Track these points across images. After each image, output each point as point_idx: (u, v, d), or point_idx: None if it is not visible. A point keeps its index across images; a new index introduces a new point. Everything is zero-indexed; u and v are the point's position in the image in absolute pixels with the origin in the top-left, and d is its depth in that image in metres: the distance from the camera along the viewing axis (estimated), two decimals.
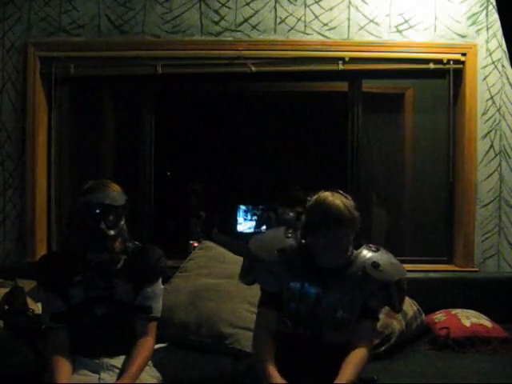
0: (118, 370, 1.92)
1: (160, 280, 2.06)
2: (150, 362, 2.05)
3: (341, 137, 3.50)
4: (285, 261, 1.90)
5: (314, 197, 1.91)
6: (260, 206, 4.72)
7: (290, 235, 1.97)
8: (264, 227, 4.10)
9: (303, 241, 1.94)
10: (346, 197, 1.90)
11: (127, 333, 1.96)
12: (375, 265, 1.89)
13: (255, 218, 4.61)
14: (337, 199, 1.86)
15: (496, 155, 3.24)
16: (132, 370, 1.86)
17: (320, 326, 1.87)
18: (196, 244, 3.21)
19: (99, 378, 1.89)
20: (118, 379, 1.87)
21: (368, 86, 3.42)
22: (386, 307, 2.12)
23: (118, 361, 1.94)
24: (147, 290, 1.98)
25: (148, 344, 1.96)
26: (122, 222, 1.98)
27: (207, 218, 4.37)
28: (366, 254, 1.93)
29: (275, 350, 1.87)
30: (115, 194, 1.95)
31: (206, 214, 4.36)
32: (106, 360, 1.93)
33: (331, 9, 3.23)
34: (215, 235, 3.84)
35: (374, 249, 1.97)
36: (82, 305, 1.93)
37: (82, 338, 1.94)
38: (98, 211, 1.89)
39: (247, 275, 1.99)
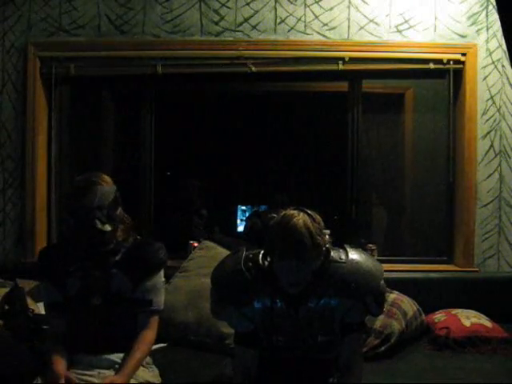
0: (117, 366, 1.91)
1: (161, 272, 2.03)
2: (150, 361, 2.06)
3: (341, 137, 3.50)
4: (250, 287, 1.79)
5: (281, 214, 1.75)
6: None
7: (250, 259, 1.83)
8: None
9: (268, 259, 1.81)
10: (313, 219, 1.72)
11: (126, 327, 1.94)
12: (345, 283, 1.76)
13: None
14: (301, 222, 1.68)
15: (496, 155, 3.24)
16: (129, 365, 1.87)
17: (304, 350, 1.82)
18: (196, 244, 3.21)
19: (99, 373, 1.88)
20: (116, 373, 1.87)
21: (368, 85, 3.42)
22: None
23: (118, 356, 1.93)
24: (147, 283, 1.96)
25: (148, 337, 1.96)
26: (118, 211, 1.96)
27: (209, 217, 4.38)
28: (334, 269, 1.78)
29: (260, 369, 1.84)
30: (103, 191, 1.90)
31: (207, 212, 4.36)
32: (107, 356, 1.92)
33: (331, 9, 3.23)
34: (215, 234, 3.84)
35: (342, 258, 1.80)
36: (78, 295, 1.93)
37: (81, 333, 1.94)
38: (89, 215, 1.86)
39: (218, 313, 1.90)
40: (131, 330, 1.95)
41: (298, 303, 1.79)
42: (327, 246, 1.80)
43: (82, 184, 1.91)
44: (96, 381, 1.85)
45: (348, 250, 1.85)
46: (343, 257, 1.81)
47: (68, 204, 1.96)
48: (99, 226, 1.87)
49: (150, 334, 1.97)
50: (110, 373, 1.89)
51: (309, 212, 1.74)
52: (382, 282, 1.83)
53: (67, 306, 1.95)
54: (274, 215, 1.79)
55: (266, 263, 1.81)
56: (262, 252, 1.85)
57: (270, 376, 1.86)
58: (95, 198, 1.87)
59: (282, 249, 1.68)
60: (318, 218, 1.75)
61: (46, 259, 2.01)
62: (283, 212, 1.76)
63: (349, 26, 3.23)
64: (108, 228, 1.90)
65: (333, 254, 1.82)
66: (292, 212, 1.73)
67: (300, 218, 1.70)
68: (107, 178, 1.96)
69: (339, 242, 1.94)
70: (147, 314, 1.97)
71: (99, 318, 1.92)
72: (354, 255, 1.83)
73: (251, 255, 1.85)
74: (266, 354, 1.85)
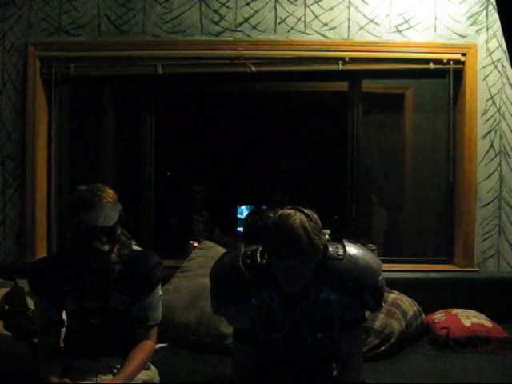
0: (116, 371, 1.91)
1: (157, 288, 1.98)
2: (149, 362, 2.05)
3: (341, 137, 3.50)
4: (248, 284, 1.78)
5: (277, 214, 1.74)
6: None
7: (248, 256, 1.82)
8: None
9: (266, 256, 1.80)
10: (310, 218, 1.70)
11: (125, 334, 1.94)
12: (343, 280, 1.75)
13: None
14: (298, 222, 1.67)
15: (496, 155, 3.24)
16: (126, 371, 1.85)
17: (302, 347, 1.82)
18: (196, 244, 3.21)
19: (97, 378, 1.88)
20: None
21: (368, 86, 3.42)
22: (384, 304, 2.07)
23: (117, 360, 1.93)
24: (144, 301, 1.92)
25: (147, 347, 1.94)
26: (119, 232, 1.89)
27: (209, 218, 4.38)
28: (332, 265, 1.77)
29: (259, 365, 1.84)
30: (108, 209, 1.80)
31: (208, 213, 4.36)
32: (105, 360, 1.92)
33: (331, 9, 3.23)
34: (216, 235, 3.83)
35: (340, 253, 1.79)
36: (76, 313, 1.91)
37: (79, 341, 1.93)
38: (90, 233, 1.78)
39: (218, 309, 1.89)
40: (130, 337, 1.94)
41: (295, 300, 1.79)
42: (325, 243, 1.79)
43: (88, 198, 1.80)
44: None
45: (346, 245, 1.84)
46: (341, 253, 1.80)
47: (68, 216, 1.84)
48: (98, 245, 1.80)
49: (149, 344, 1.95)
50: (108, 377, 1.88)
51: (305, 211, 1.72)
52: (381, 277, 1.82)
53: (63, 324, 1.94)
54: (272, 215, 1.77)
55: (264, 260, 1.80)
56: (260, 249, 1.84)
57: (269, 373, 1.86)
58: (99, 217, 1.78)
59: (280, 249, 1.67)
60: (314, 217, 1.73)
61: (39, 275, 1.93)
62: (280, 212, 1.74)
63: (349, 26, 3.23)
64: (106, 248, 1.82)
65: (331, 250, 1.80)
66: (288, 212, 1.72)
67: (297, 217, 1.69)
68: (112, 194, 1.87)
69: (338, 238, 1.93)
70: (145, 328, 1.95)
71: (97, 332, 1.90)
72: (351, 250, 1.82)
73: (249, 252, 1.85)
74: (264, 350, 1.85)
